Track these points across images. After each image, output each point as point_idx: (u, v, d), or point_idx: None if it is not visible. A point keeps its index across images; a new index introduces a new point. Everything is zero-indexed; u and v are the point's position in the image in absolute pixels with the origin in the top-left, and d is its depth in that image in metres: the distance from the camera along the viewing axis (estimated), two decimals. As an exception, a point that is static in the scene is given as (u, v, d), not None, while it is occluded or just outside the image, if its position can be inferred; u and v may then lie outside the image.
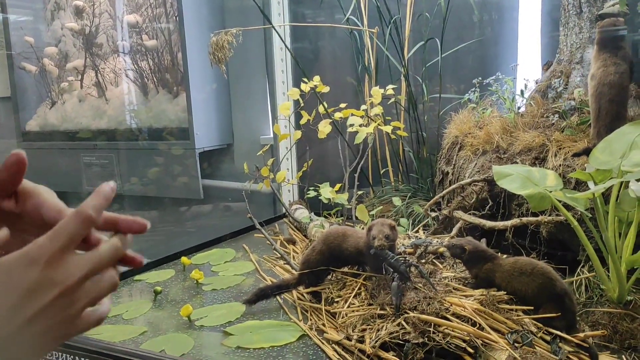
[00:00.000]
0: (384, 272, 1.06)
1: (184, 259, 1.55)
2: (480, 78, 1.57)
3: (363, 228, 1.60)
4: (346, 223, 1.74)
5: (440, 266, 1.15)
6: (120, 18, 2.51)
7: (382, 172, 1.91)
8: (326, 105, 1.71)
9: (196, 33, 2.30)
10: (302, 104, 1.73)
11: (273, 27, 1.75)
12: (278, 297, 1.24)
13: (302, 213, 1.86)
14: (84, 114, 2.64)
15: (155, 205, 2.47)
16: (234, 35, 1.45)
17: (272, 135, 2.25)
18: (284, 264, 1.48)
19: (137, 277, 1.47)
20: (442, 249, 1.16)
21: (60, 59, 2.73)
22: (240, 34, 1.48)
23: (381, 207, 1.68)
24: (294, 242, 1.71)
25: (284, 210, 2.00)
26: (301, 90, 1.70)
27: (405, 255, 1.09)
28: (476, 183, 1.38)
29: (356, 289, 1.10)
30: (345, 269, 1.19)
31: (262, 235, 1.72)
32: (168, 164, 2.38)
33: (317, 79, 1.77)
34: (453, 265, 1.15)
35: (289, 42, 1.99)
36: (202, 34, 2.31)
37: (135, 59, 2.49)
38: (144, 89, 2.48)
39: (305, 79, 1.75)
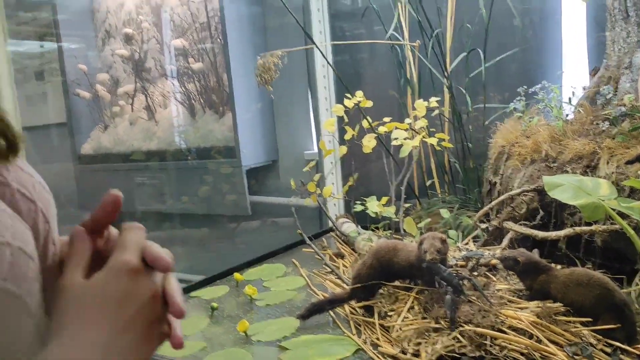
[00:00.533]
0: (436, 286, 1.07)
1: (236, 275, 1.59)
2: (525, 87, 1.56)
3: (412, 241, 1.61)
4: (394, 236, 1.75)
5: (494, 278, 1.15)
6: (167, 43, 2.61)
7: (428, 183, 1.91)
8: (370, 120, 1.73)
9: (240, 54, 2.37)
10: (347, 120, 1.75)
11: (316, 46, 1.79)
12: (331, 312, 1.26)
13: (349, 227, 1.88)
14: (135, 136, 2.75)
15: (205, 223, 2.53)
16: (279, 56, 1.50)
17: (316, 150, 2.29)
18: (335, 278, 1.50)
19: (193, 294, 1.52)
20: (494, 261, 1.16)
21: (112, 85, 2.86)
22: (285, 55, 1.53)
23: (429, 219, 1.68)
24: (342, 256, 1.73)
25: (330, 224, 2.02)
26: (345, 106, 1.73)
27: (457, 268, 1.10)
28: (526, 193, 1.37)
29: (409, 302, 1.11)
30: (397, 283, 1.20)
31: (311, 250, 1.74)
32: (216, 182, 2.45)
33: (360, 94, 1.79)
34: (506, 277, 1.14)
35: (330, 58, 2.03)
36: (246, 54, 2.38)
37: (183, 82, 2.58)
38: (191, 110, 2.56)
39: (349, 95, 1.78)
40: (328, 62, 1.90)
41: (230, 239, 2.48)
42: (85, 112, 2.96)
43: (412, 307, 1.10)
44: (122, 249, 0.45)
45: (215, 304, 1.37)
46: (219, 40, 2.42)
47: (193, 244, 2.59)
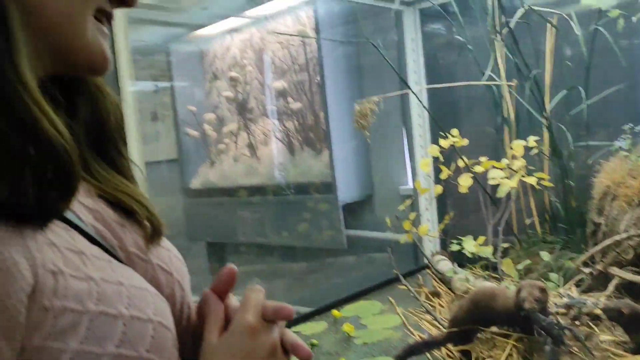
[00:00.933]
0: (536, 334, 1.06)
1: (334, 311, 1.65)
2: (631, 125, 1.51)
3: (512, 281, 1.59)
4: (492, 276, 1.74)
5: (597, 329, 1.12)
6: (268, 85, 2.77)
7: (527, 223, 1.88)
8: (466, 159, 1.74)
9: (336, 93, 2.47)
10: (442, 159, 1.78)
11: (412, 91, 1.85)
12: (427, 354, 1.28)
13: (445, 265, 1.88)
14: (238, 172, 2.92)
15: (303, 256, 2.63)
16: (375, 102, 1.56)
17: (411, 185, 2.32)
18: (432, 319, 1.52)
19: (294, 329, 1.59)
20: (597, 311, 1.13)
21: (218, 124, 3.07)
22: (381, 101, 1.59)
23: (528, 260, 1.65)
24: (438, 295, 1.74)
25: (426, 261, 2.03)
26: (440, 146, 1.76)
27: (557, 317, 1.09)
28: (633, 237, 1.32)
29: (507, 350, 1.11)
30: (495, 329, 1.20)
31: (407, 287, 1.76)
32: (314, 216, 2.54)
33: (455, 132, 1.81)
34: (611, 328, 1.11)
35: (425, 97, 2.07)
36: (342, 93, 2.48)
37: (282, 120, 2.73)
38: (290, 148, 2.69)
39: (444, 133, 1.80)
40: (424, 106, 1.94)
41: (327, 273, 2.55)
42: (194, 149, 3.19)
43: (510, 355, 1.10)
44: (243, 309, 0.52)
45: (315, 341, 1.44)
46: (316, 80, 2.54)
47: (292, 277, 2.69)
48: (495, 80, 1.77)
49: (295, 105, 2.65)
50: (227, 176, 2.98)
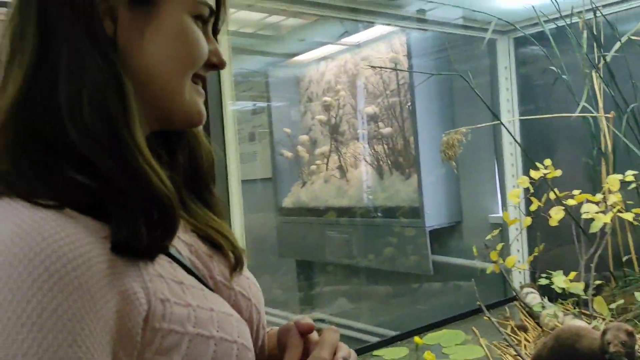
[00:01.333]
0: (622, 380, 1.03)
1: (416, 338, 1.67)
2: None
3: (603, 320, 1.53)
4: (583, 313, 1.68)
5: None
6: (360, 110, 2.85)
7: (624, 259, 1.79)
8: (557, 192, 1.71)
9: (427, 119, 2.49)
10: (532, 191, 1.75)
11: (503, 124, 1.84)
12: (508, 390, 1.27)
13: (534, 298, 1.84)
14: (328, 193, 3.01)
15: (388, 279, 2.65)
16: (463, 133, 1.58)
17: (501, 214, 2.28)
18: (515, 354, 1.49)
19: (375, 353, 1.63)
20: (693, 361, 1.07)
21: (310, 145, 3.18)
22: (469, 132, 1.61)
23: (622, 300, 1.58)
24: (525, 330, 1.70)
25: (514, 293, 1.99)
26: (531, 178, 1.74)
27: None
28: None
29: (591, 393, 1.09)
30: (579, 370, 1.17)
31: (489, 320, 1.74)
32: (400, 240, 2.57)
33: (548, 163, 1.78)
34: None
35: (518, 126, 2.05)
36: (432, 119, 2.50)
37: (372, 144, 2.79)
38: (379, 171, 2.74)
39: (537, 164, 1.78)
40: (514, 139, 1.93)
41: (411, 298, 2.56)
42: (287, 169, 3.32)
43: (594, 399, 1.07)
44: (320, 347, 0.59)
45: (395, 367, 1.47)
46: (407, 106, 2.58)
47: (376, 299, 2.72)
48: (591, 111, 1.72)
49: (386, 130, 2.70)
50: (317, 196, 3.08)
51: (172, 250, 0.57)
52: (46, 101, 0.51)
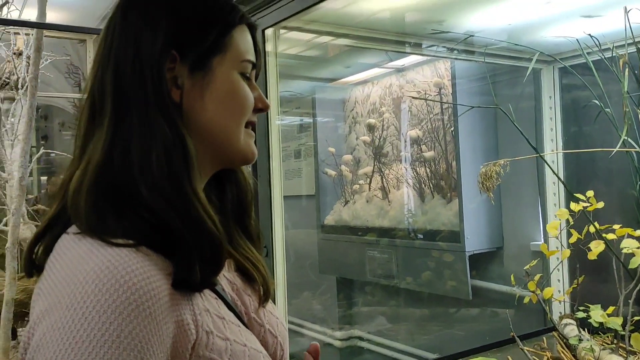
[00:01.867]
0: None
1: (451, 365, 1.69)
2: None
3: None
4: (621, 347, 1.66)
5: None
6: (403, 133, 2.89)
7: (666, 296, 1.77)
8: (597, 225, 1.70)
9: (470, 144, 2.51)
10: (572, 223, 1.75)
11: (542, 158, 1.85)
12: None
13: (572, 330, 1.83)
14: (370, 213, 3.06)
15: (426, 302, 2.67)
16: (501, 165, 1.61)
17: (542, 241, 2.27)
18: (547, 387, 1.50)
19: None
20: None
21: (354, 165, 3.25)
22: (507, 165, 1.63)
23: (662, 338, 1.56)
24: (561, 362, 1.70)
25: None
26: (571, 210, 1.74)
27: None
28: None
29: None
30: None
31: (530, 348, 1.75)
32: (439, 264, 2.59)
33: (590, 194, 1.78)
34: None
35: (561, 160, 2.05)
36: (475, 144, 2.52)
37: (415, 167, 2.82)
38: (420, 194, 2.77)
39: (577, 195, 1.78)
40: (556, 175, 1.93)
41: (449, 322, 2.57)
42: (330, 187, 3.39)
43: None
44: None
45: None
46: (451, 130, 2.60)
47: (414, 321, 2.74)
48: (633, 145, 1.72)
49: (429, 153, 2.73)
50: (359, 215, 3.13)
51: (218, 288, 0.67)
52: (122, 164, 0.62)
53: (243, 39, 0.72)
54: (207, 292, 0.63)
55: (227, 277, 0.71)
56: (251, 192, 0.81)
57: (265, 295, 0.75)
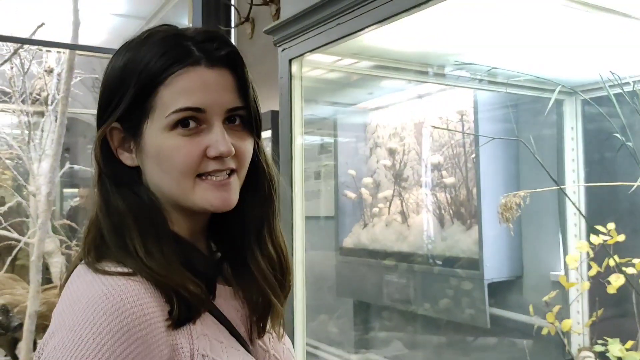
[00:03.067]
0: None
1: (466, 395, 1.69)
2: None
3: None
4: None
5: None
6: (424, 158, 2.91)
7: (688, 332, 1.75)
8: (617, 259, 1.70)
9: (491, 171, 2.52)
10: (592, 255, 1.75)
11: (563, 192, 1.86)
12: None
13: (591, 363, 1.82)
14: (388, 237, 3.07)
15: (443, 329, 2.66)
16: (521, 197, 1.62)
17: (563, 272, 2.26)
18: (565, 421, 1.49)
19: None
20: None
21: (374, 188, 3.26)
22: (527, 196, 1.64)
23: (683, 376, 1.54)
24: (579, 396, 1.68)
25: (574, 354, 1.97)
26: (591, 243, 1.74)
27: None
28: None
29: None
30: None
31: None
32: (457, 291, 2.58)
33: (610, 227, 1.78)
34: None
35: (583, 192, 2.05)
36: (497, 171, 2.52)
37: (435, 192, 2.83)
38: (440, 220, 2.78)
39: (598, 227, 1.78)
40: (577, 208, 1.93)
41: (466, 350, 2.55)
42: (349, 209, 3.41)
43: None
44: None
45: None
46: (472, 157, 2.62)
47: (431, 348, 2.73)
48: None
49: (449, 179, 2.74)
50: (377, 239, 3.14)
51: (219, 314, 0.73)
52: (116, 221, 0.72)
53: (177, 89, 0.70)
54: (207, 318, 0.70)
55: (232, 305, 0.77)
56: (269, 215, 0.83)
57: (273, 322, 0.80)
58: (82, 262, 0.71)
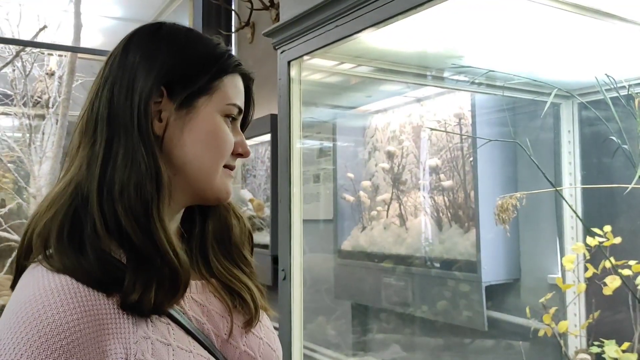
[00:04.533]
0: None
1: (463, 395, 1.69)
2: None
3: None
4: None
5: None
6: (422, 161, 2.92)
7: (684, 334, 1.75)
8: (613, 261, 1.71)
9: (489, 174, 2.53)
10: (589, 257, 1.76)
11: (560, 194, 1.87)
12: None
13: (587, 365, 1.82)
14: (387, 240, 3.08)
15: (440, 332, 2.67)
16: (517, 198, 1.63)
17: (560, 274, 2.27)
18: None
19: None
20: None
21: (372, 191, 3.28)
22: (524, 197, 1.65)
23: (678, 377, 1.55)
24: (575, 397, 1.69)
25: (570, 357, 1.97)
26: (587, 245, 1.75)
27: None
28: None
29: None
30: None
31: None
32: (455, 293, 2.58)
33: (607, 229, 1.79)
34: None
35: (580, 194, 2.06)
36: (494, 175, 2.53)
37: (433, 195, 2.84)
38: (438, 223, 2.78)
39: (594, 230, 1.79)
40: (573, 211, 1.94)
41: (463, 353, 2.56)
42: (348, 213, 3.42)
43: None
44: None
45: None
46: (470, 160, 2.63)
47: (428, 351, 2.74)
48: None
49: (447, 182, 2.75)
50: (376, 242, 3.14)
51: (174, 312, 0.69)
52: (105, 183, 0.68)
53: (233, 85, 0.78)
54: (155, 317, 0.67)
55: (196, 300, 0.75)
56: (242, 226, 0.85)
57: (252, 317, 0.78)
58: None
